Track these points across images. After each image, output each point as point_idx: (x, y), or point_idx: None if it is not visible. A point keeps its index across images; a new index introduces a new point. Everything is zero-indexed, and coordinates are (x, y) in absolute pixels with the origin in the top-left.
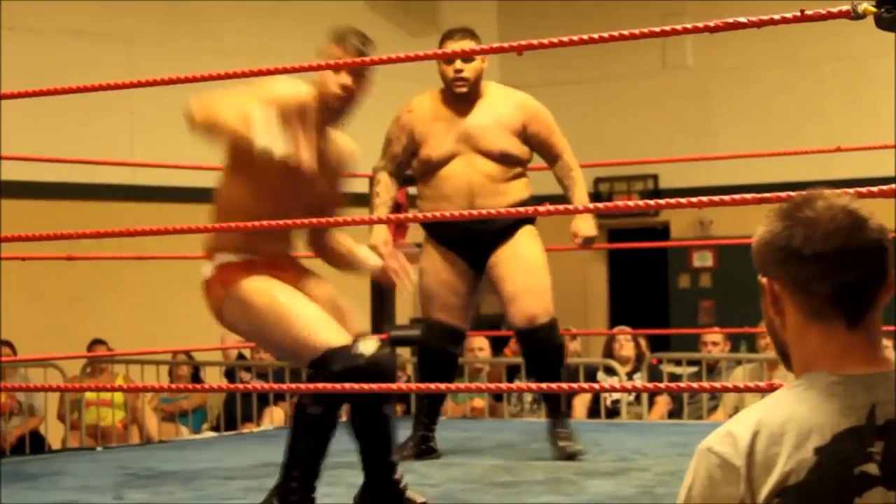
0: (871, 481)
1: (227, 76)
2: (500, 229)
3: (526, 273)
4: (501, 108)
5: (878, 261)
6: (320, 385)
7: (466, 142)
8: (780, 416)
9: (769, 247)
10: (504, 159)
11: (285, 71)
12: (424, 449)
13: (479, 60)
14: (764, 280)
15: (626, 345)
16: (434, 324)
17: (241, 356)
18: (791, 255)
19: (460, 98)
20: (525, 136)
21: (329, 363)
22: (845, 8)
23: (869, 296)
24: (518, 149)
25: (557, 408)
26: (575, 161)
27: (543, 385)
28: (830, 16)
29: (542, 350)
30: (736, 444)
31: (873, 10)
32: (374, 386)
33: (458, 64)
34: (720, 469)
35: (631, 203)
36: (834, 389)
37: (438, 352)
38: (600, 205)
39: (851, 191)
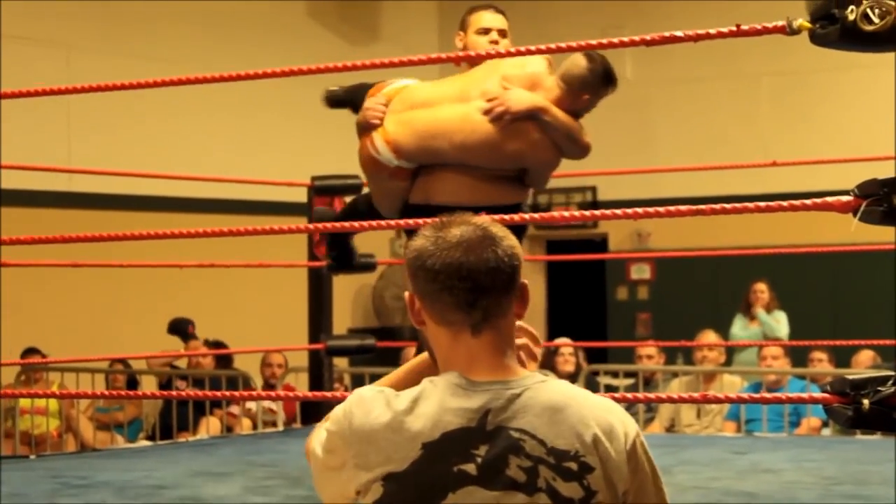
0: (466, 479)
1: (166, 83)
2: None
3: None
4: None
5: (498, 276)
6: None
7: None
8: (405, 408)
9: (408, 262)
10: None
11: (225, 79)
12: None
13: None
14: (406, 294)
15: (570, 359)
16: None
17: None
18: (420, 268)
19: None
20: None
21: None
22: (781, 23)
23: (490, 307)
24: None
25: None
26: None
27: None
28: (766, 31)
29: None
30: (363, 427)
31: (808, 25)
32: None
33: (495, 35)
34: (340, 446)
35: (567, 214)
36: (455, 391)
37: None
38: (537, 216)
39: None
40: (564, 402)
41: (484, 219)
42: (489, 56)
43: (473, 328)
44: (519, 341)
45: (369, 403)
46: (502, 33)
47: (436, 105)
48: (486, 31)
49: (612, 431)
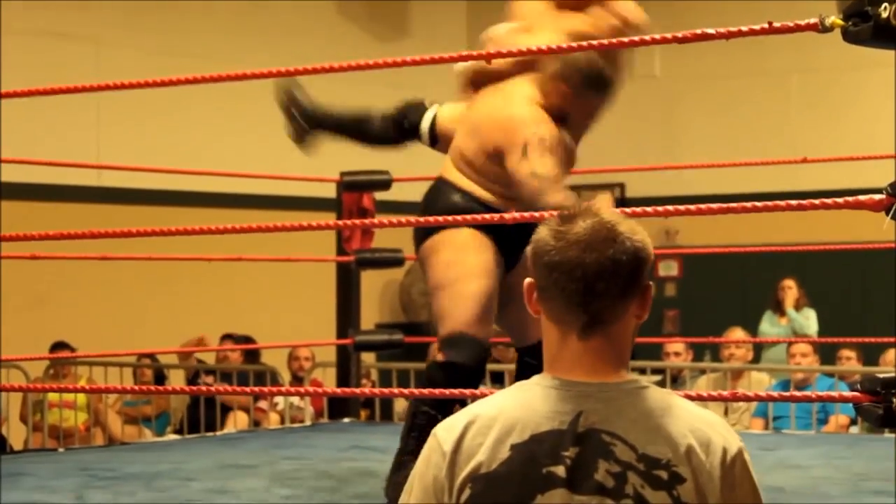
0: (555, 482)
1: (195, 80)
2: None
3: None
4: None
5: (614, 279)
6: (292, 389)
7: None
8: (495, 410)
9: (529, 252)
10: None
11: (255, 76)
12: None
13: None
14: (526, 280)
15: None
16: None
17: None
18: (539, 261)
19: None
20: None
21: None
22: (813, 21)
23: (602, 311)
24: None
25: None
26: None
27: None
28: (798, 28)
29: None
30: (452, 430)
31: (841, 23)
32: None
33: None
34: (434, 451)
35: None
36: (549, 393)
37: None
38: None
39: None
40: (662, 410)
41: (614, 213)
42: (512, 54)
43: (581, 331)
44: None
45: (455, 417)
46: None
47: None
48: None
49: (710, 445)
